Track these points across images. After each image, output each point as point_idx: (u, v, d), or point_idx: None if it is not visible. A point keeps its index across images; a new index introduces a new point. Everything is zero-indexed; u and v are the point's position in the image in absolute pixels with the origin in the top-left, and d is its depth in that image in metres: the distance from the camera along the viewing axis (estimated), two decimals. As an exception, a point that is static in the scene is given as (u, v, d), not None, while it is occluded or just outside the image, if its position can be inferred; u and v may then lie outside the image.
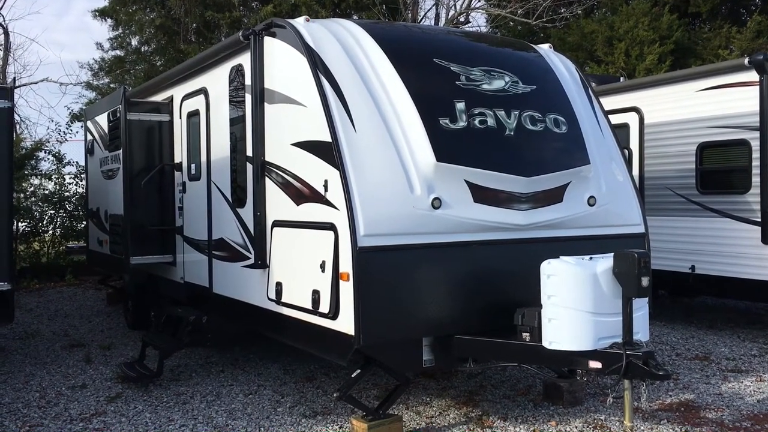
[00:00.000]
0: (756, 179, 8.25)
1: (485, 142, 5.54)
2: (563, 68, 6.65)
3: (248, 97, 6.27)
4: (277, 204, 5.91)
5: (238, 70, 6.57)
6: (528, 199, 5.58)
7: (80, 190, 15.25)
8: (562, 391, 6.11)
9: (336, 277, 5.09)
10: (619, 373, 4.61)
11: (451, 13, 21.23)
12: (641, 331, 4.98)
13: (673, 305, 10.64)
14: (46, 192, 15.54)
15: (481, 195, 5.40)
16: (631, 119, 9.78)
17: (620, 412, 5.72)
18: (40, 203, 15.45)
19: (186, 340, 7.23)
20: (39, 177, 15.65)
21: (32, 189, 15.53)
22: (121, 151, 8.33)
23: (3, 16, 19.72)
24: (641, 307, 4.99)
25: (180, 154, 8.11)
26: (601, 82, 10.83)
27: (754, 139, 8.26)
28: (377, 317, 4.99)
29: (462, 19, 21.14)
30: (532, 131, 5.75)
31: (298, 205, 5.62)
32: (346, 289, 4.99)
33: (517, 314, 5.23)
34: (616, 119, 8.58)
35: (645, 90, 9.79)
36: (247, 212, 6.32)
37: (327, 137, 5.22)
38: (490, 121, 5.58)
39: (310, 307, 5.37)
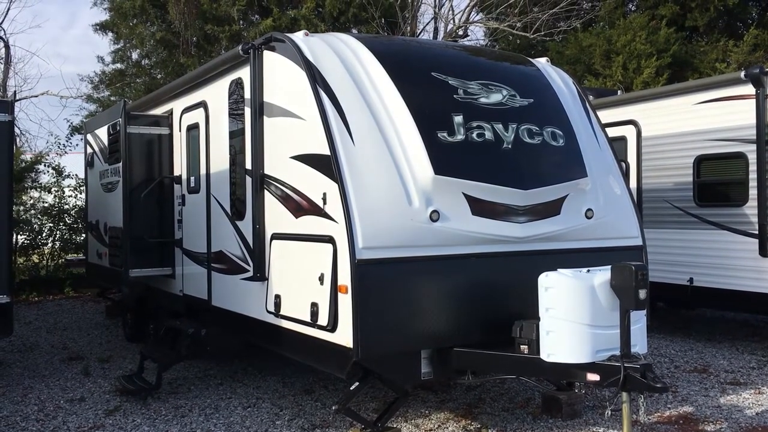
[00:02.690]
0: (753, 192, 8.28)
1: (483, 155, 5.57)
2: (560, 82, 6.69)
3: (247, 111, 6.31)
4: (276, 217, 5.93)
5: (237, 84, 6.61)
6: (526, 211, 5.60)
7: (80, 202, 15.26)
8: (561, 403, 6.11)
9: (335, 289, 5.10)
10: (618, 386, 4.62)
11: (450, 26, 21.36)
12: (639, 344, 4.99)
13: (672, 318, 10.64)
14: (46, 205, 15.54)
15: (479, 208, 5.42)
16: (629, 132, 9.82)
17: (619, 425, 5.72)
18: (39, 216, 15.46)
19: (185, 352, 7.23)
20: (38, 190, 15.65)
21: (32, 202, 15.53)
22: (120, 164, 8.36)
23: (4, 30, 19.77)
24: (639, 320, 4.99)
25: (179, 167, 8.14)
26: (599, 95, 10.89)
27: (750, 152, 8.30)
28: (376, 330, 5.00)
29: (460, 33, 21.26)
30: (530, 144, 5.78)
31: (296, 217, 5.64)
32: (345, 302, 5.01)
33: (515, 327, 5.24)
34: (613, 132, 8.61)
35: (642, 103, 9.84)
36: (246, 225, 6.34)
37: (326, 150, 5.25)
38: (488, 135, 5.61)
39: (309, 320, 5.38)
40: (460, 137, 5.50)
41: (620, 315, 4.69)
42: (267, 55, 6.10)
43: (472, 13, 21.54)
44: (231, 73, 6.74)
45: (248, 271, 6.31)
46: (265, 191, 6.06)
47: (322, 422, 6.11)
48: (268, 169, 6.04)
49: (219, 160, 7.04)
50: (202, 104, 7.43)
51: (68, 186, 15.78)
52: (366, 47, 5.85)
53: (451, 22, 21.57)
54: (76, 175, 15.57)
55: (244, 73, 6.37)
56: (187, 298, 7.87)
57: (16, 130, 19.05)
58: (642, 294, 4.64)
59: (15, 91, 18.51)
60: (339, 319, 5.07)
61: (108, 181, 9.50)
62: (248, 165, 6.26)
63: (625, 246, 6.21)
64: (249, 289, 6.33)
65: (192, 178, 7.74)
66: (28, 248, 15.28)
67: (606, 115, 9.04)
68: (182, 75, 9.73)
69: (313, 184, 5.40)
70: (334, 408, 5.46)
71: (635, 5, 21.00)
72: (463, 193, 5.38)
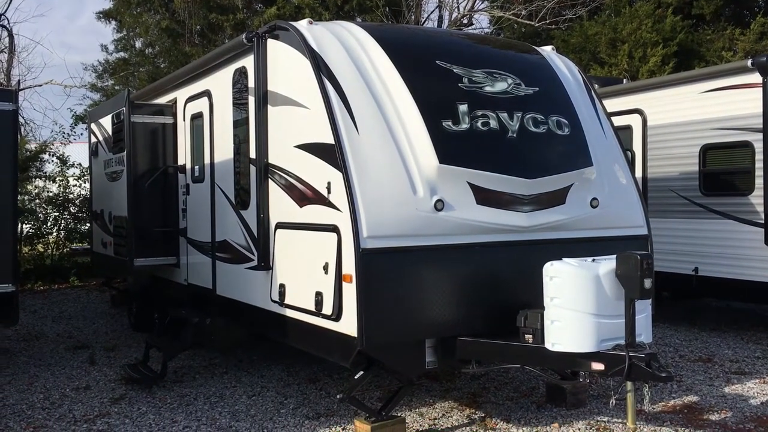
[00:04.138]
0: (759, 181, 8.25)
1: (488, 144, 5.54)
2: (566, 70, 6.65)
3: (251, 100, 6.29)
4: (281, 206, 5.92)
5: (241, 73, 6.59)
6: (531, 201, 5.58)
7: (84, 192, 15.29)
8: (565, 393, 6.12)
9: (339, 278, 5.10)
10: (622, 375, 4.61)
11: (454, 15, 21.26)
12: (644, 333, 4.97)
13: (677, 307, 10.63)
14: (50, 194, 15.57)
15: (484, 197, 5.40)
16: (634, 121, 9.78)
17: (623, 414, 5.71)
18: (44, 205, 15.49)
19: (189, 341, 7.25)
20: (43, 179, 15.68)
21: (36, 191, 15.57)
22: (125, 153, 8.36)
23: (8, 19, 19.71)
24: (644, 309, 4.98)
25: (183, 156, 8.13)
26: (604, 84, 10.83)
27: (757, 141, 8.26)
28: (380, 319, 5.00)
29: (465, 21, 21.16)
30: (535, 133, 5.76)
31: (301, 207, 5.63)
32: (349, 291, 5.00)
33: (519, 316, 5.23)
34: (619, 121, 8.57)
35: (648, 92, 9.79)
36: (251, 214, 6.33)
37: (330, 139, 5.23)
38: (493, 123, 5.59)
39: (314, 309, 5.38)
40: (464, 126, 5.47)
41: (625, 304, 4.68)
42: (271, 43, 6.08)
43: (477, 1, 21.45)
44: (235, 62, 6.72)
45: (253, 260, 6.31)
46: (270, 180, 6.05)
47: (327, 411, 6.13)
48: (273, 159, 6.03)
49: (223, 149, 7.03)
50: (206, 93, 7.41)
51: (72, 175, 15.80)
52: (370, 35, 5.82)
53: (456, 10, 21.48)
54: (80, 164, 15.59)
55: (248, 62, 6.35)
56: (191, 288, 7.89)
57: (21, 120, 19.01)
58: (647, 283, 4.63)
59: (19, 80, 18.47)
60: (343, 308, 5.07)
61: (112, 170, 9.49)
62: (252, 154, 6.25)
63: (631, 235, 6.18)
64: (253, 279, 6.33)
65: (196, 168, 7.73)
66: (33, 237, 15.33)
67: (611, 104, 8.99)
68: (186, 64, 9.71)
69: (318, 174, 5.39)
70: (338, 397, 5.47)
71: (641, -7, 20.85)
72: (468, 182, 5.35)
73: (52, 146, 15.95)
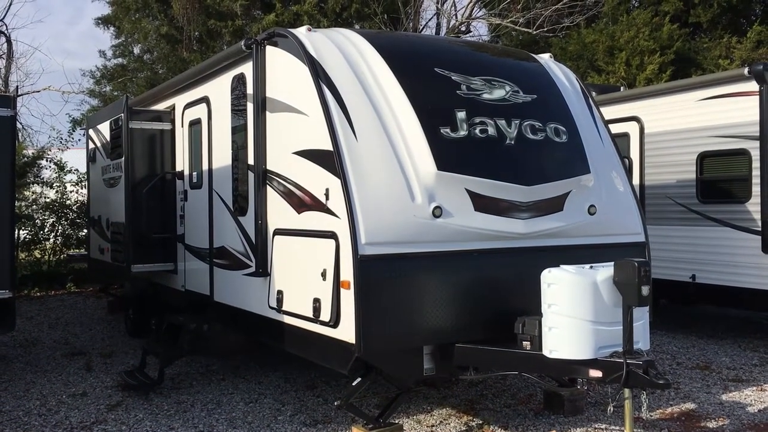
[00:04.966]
0: (756, 188, 8.26)
1: (486, 151, 5.56)
2: (563, 78, 6.68)
3: (250, 106, 6.30)
4: (279, 212, 5.93)
5: (240, 79, 6.60)
6: (528, 207, 5.59)
7: (81, 198, 15.27)
8: (563, 400, 6.11)
9: (337, 285, 5.10)
10: (620, 382, 4.62)
11: (453, 22, 21.33)
12: (642, 340, 4.98)
13: (674, 314, 10.63)
14: (48, 200, 15.56)
15: (482, 204, 5.41)
16: (632, 129, 9.80)
17: (621, 421, 5.72)
18: (41, 211, 15.48)
19: (187, 348, 7.24)
20: (41, 185, 15.67)
21: (34, 197, 15.55)
22: (123, 159, 8.36)
23: (6, 24, 19.78)
24: (642, 316, 4.99)
25: (182, 162, 8.14)
26: (602, 91, 10.86)
27: (754, 149, 8.28)
28: (378, 325, 5.00)
29: (463, 29, 21.23)
30: (533, 140, 5.77)
31: (299, 213, 5.63)
32: (347, 298, 5.00)
33: (517, 323, 5.24)
34: (616, 129, 8.59)
35: (645, 99, 9.82)
36: (249, 220, 6.33)
37: (328, 146, 5.24)
38: (491, 130, 5.60)
39: (311, 316, 5.38)
40: (462, 133, 5.49)
41: (623, 311, 4.69)
42: (269, 50, 6.09)
43: (475, 8, 21.51)
44: (233, 68, 6.73)
45: (250, 266, 6.31)
46: (268, 187, 6.05)
47: (324, 418, 6.11)
48: (271, 165, 6.04)
49: (221, 155, 7.04)
50: (205, 100, 7.42)
51: (70, 181, 15.79)
52: (369, 43, 5.84)
53: (454, 17, 21.55)
54: (78, 170, 15.58)
55: (247, 69, 6.36)
56: (189, 294, 7.87)
57: (18, 125, 19.01)
58: (645, 290, 4.64)
59: (17, 86, 18.50)
60: (341, 314, 5.07)
61: (110, 176, 9.48)
62: (250, 161, 6.25)
63: (628, 242, 6.20)
64: (251, 285, 6.33)
65: (194, 174, 7.73)
66: (30, 243, 15.30)
67: (609, 112, 9.01)
68: (184, 70, 9.73)
69: (316, 180, 5.40)
70: (336, 404, 5.46)
71: (638, 1, 20.95)
72: (466, 189, 5.37)
73: (49, 152, 15.95)
